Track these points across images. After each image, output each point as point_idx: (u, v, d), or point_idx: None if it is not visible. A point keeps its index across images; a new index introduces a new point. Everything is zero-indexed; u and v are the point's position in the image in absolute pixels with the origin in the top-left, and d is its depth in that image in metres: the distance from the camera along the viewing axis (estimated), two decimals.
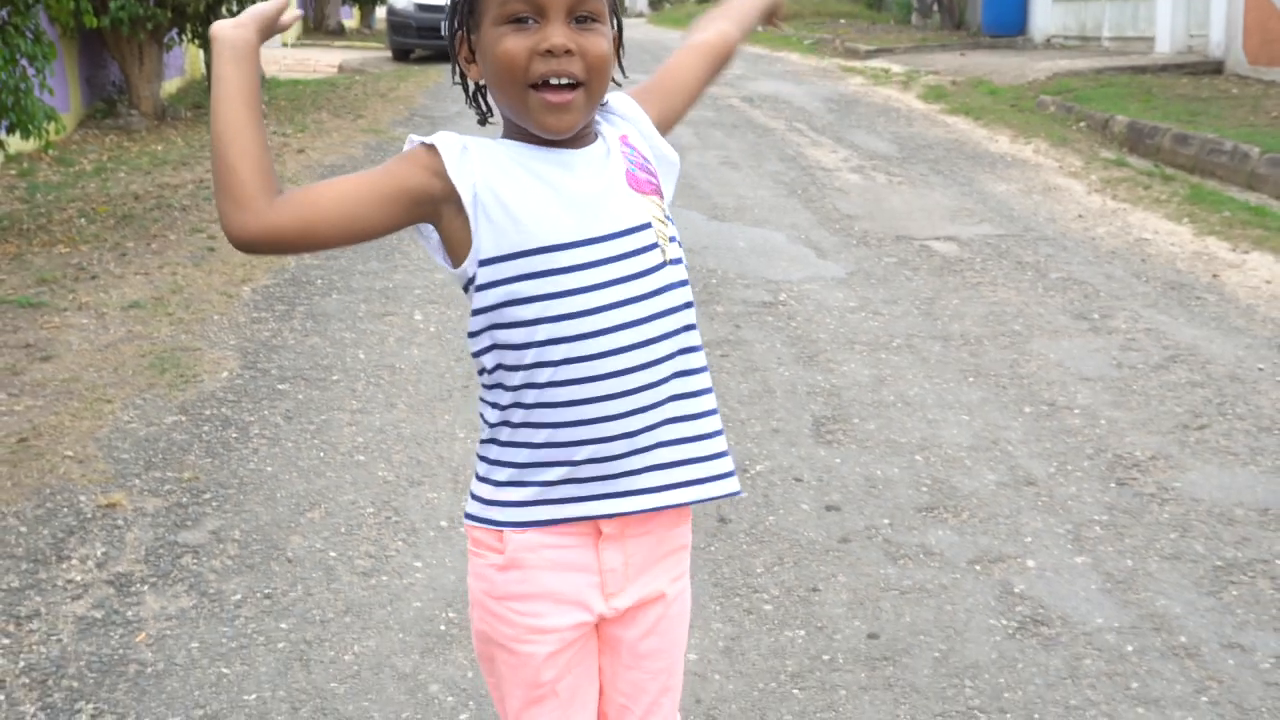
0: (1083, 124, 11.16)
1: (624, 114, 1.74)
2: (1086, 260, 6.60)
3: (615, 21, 1.65)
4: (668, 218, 1.67)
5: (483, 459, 1.68)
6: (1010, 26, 20.18)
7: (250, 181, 1.49)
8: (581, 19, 1.56)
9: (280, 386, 4.70)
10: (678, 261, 1.66)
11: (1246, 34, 13.15)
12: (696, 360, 1.67)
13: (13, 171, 8.98)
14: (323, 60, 19.44)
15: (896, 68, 16.91)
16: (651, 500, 1.64)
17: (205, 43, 12.14)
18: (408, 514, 3.67)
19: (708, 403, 1.68)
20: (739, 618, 3.13)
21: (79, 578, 3.28)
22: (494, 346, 1.60)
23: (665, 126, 1.79)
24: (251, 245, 1.52)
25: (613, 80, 1.65)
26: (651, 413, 1.61)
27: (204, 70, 13.44)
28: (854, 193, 8.53)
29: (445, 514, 3.66)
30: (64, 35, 10.69)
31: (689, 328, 1.66)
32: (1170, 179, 8.68)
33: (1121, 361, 5.00)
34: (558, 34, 1.54)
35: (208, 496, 3.76)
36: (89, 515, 3.62)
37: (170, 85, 13.50)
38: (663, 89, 1.84)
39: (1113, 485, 3.88)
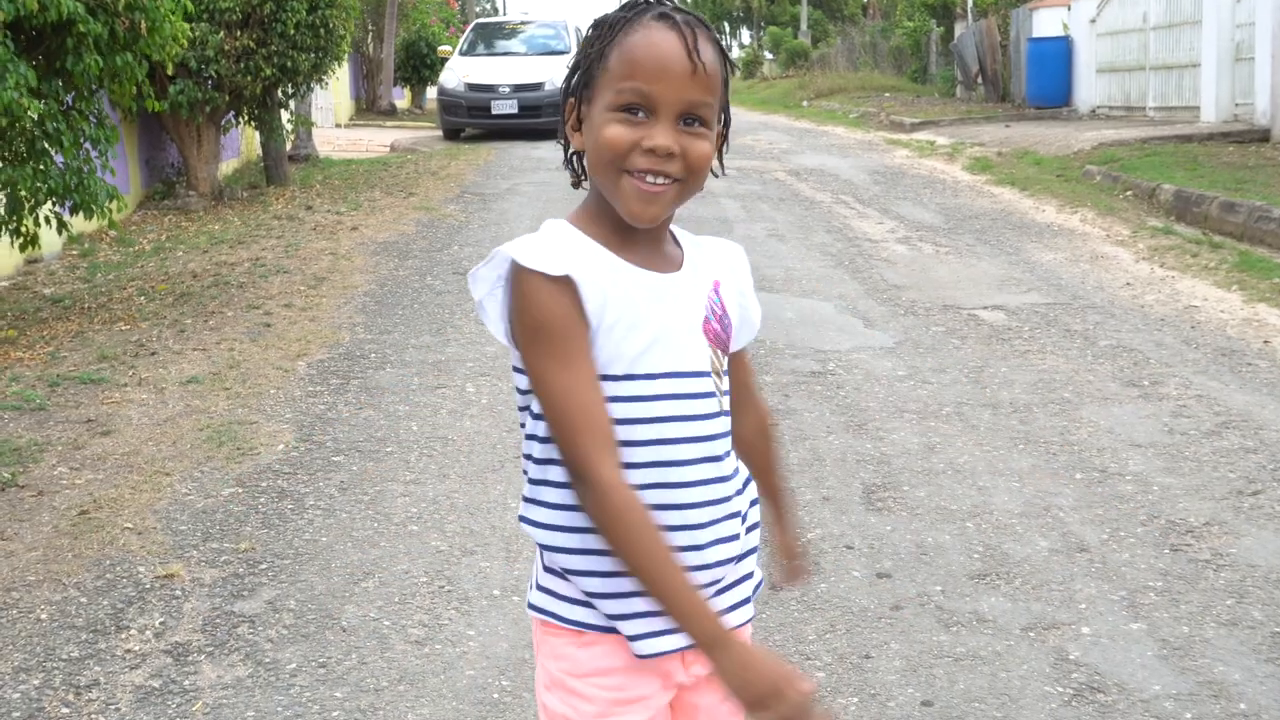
0: (1129, 193, 11.17)
1: (730, 263, 1.77)
2: (1135, 328, 6.59)
3: (724, 117, 1.67)
4: (724, 373, 1.71)
5: (556, 549, 1.66)
6: (1055, 98, 20.26)
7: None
8: (689, 120, 1.59)
9: (335, 459, 4.76)
10: (729, 413, 1.71)
11: None
12: (739, 482, 1.74)
13: (74, 252, 9.20)
14: (375, 140, 19.81)
15: (942, 140, 17.01)
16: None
17: (261, 124, 12.43)
18: (460, 583, 3.70)
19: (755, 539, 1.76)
20: None
21: (137, 647, 3.33)
22: None
23: None
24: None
25: (712, 173, 1.68)
26: (733, 544, 1.68)
27: (259, 152, 13.73)
28: (901, 263, 8.57)
29: (498, 583, 3.69)
30: (125, 119, 10.96)
31: (737, 473, 1.72)
32: (1218, 247, 8.66)
33: (1173, 428, 4.97)
34: (663, 135, 1.57)
35: (264, 567, 3.81)
36: (147, 586, 3.68)
37: (227, 166, 13.80)
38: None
39: (1166, 551, 3.85)
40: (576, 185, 1.72)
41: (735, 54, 57.15)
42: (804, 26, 51.52)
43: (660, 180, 1.58)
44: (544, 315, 1.56)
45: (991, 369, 5.84)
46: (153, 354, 6.25)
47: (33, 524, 4.14)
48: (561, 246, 1.59)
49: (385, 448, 4.89)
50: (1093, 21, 19.57)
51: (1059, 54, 20.13)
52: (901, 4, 33.17)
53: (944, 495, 4.34)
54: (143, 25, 6.91)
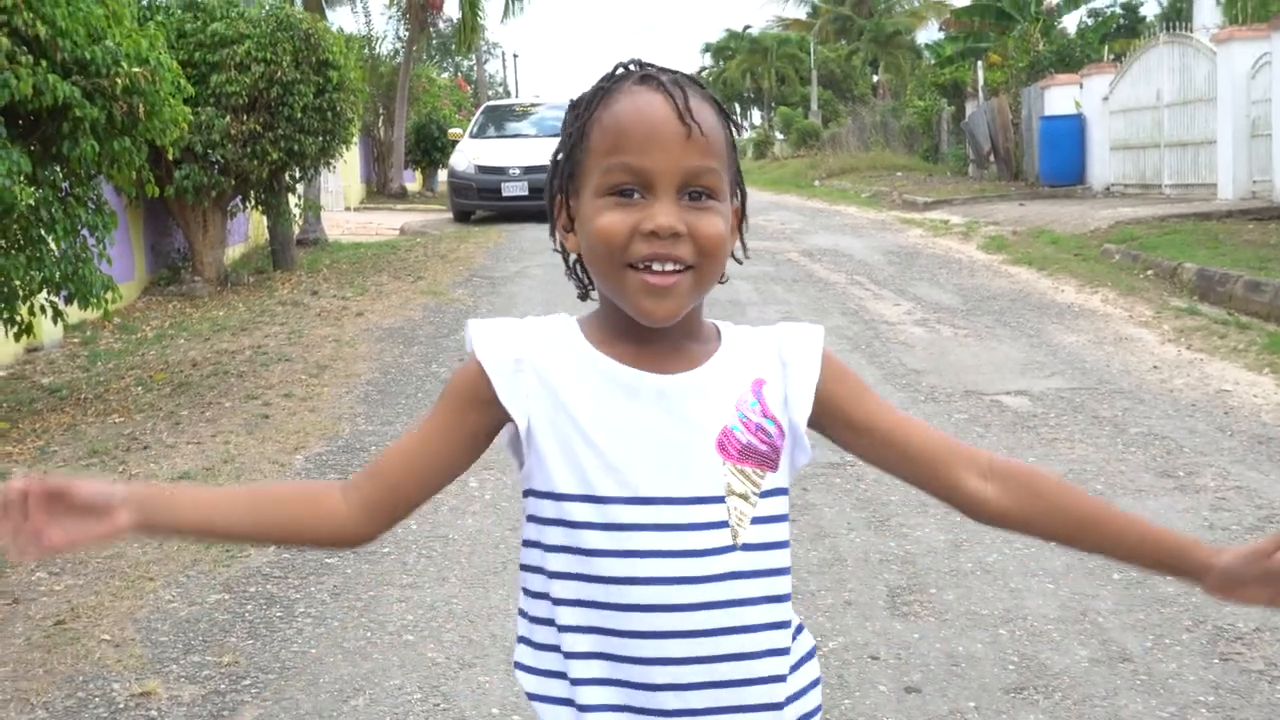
0: (1150, 272, 10.95)
1: (791, 353, 1.46)
2: (1166, 414, 6.33)
3: (740, 192, 1.45)
4: (766, 494, 1.42)
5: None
6: (1068, 176, 20.15)
7: (311, 534, 1.48)
8: (695, 194, 1.36)
9: (328, 561, 4.52)
10: (763, 548, 1.40)
11: None
12: (761, 643, 1.41)
13: (76, 339, 9.03)
14: (385, 223, 19.76)
15: (956, 219, 16.86)
16: None
17: (268, 209, 12.33)
18: (457, 700, 3.44)
19: (774, 694, 1.42)
20: None
21: None
22: (538, 571, 1.43)
23: (827, 422, 1.50)
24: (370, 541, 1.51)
25: (734, 258, 1.44)
26: (691, 694, 1.36)
27: (267, 235, 13.60)
28: (919, 346, 8.34)
29: (497, 700, 3.42)
30: (130, 205, 10.86)
31: (764, 627, 1.40)
32: (1245, 327, 8.42)
33: (1213, 522, 4.71)
34: (664, 213, 1.34)
35: (247, 683, 3.56)
36: (121, 706, 3.43)
37: (234, 251, 13.68)
38: (879, 421, 1.51)
39: (1216, 661, 3.58)
40: (584, 297, 1.49)
41: (747, 135, 57.46)
42: (814, 107, 51.85)
43: (669, 268, 1.34)
44: (448, 388, 1.47)
45: (1018, 459, 5.58)
46: (145, 448, 6.03)
47: (4, 636, 3.89)
48: (517, 335, 1.41)
49: (382, 548, 4.64)
50: (1105, 99, 19.51)
51: (1072, 132, 20.06)
52: (912, 83, 33.30)
53: (974, 599, 4.07)
54: (141, 109, 6.78)
